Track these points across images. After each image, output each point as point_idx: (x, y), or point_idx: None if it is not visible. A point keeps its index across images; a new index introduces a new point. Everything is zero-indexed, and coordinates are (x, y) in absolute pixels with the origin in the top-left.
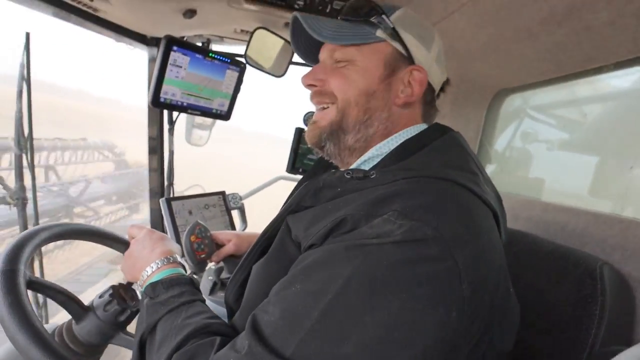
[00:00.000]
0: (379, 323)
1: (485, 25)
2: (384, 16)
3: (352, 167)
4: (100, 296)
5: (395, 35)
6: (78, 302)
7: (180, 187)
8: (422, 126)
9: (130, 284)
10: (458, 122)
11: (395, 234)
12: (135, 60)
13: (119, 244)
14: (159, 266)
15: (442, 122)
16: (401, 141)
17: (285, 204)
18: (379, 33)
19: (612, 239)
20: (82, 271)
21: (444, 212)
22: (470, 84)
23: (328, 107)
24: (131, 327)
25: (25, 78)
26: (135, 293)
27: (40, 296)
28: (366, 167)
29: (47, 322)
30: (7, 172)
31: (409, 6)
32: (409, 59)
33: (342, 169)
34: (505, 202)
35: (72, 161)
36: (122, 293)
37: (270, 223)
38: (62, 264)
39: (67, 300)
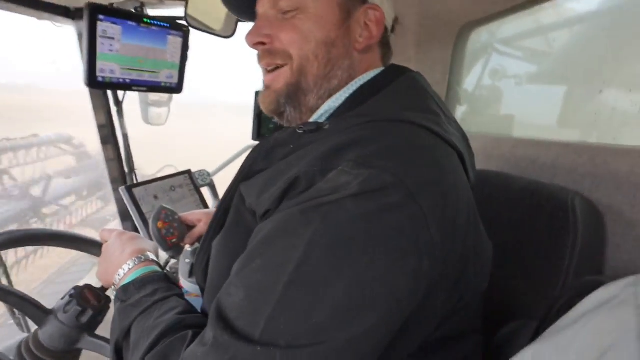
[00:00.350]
0: (348, 284)
1: None
2: None
3: (309, 121)
4: (62, 298)
5: None
6: (37, 305)
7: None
8: (379, 70)
9: (103, 287)
10: (424, 64)
11: (351, 185)
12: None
13: (93, 247)
14: (130, 267)
15: (406, 65)
16: (356, 87)
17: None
18: None
19: (582, 168)
20: (64, 271)
21: (402, 155)
22: (433, 22)
23: (281, 68)
24: (103, 330)
25: None
26: (102, 293)
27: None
28: (324, 117)
29: (28, 331)
30: None
31: None
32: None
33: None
34: (476, 142)
35: (27, 161)
36: (85, 293)
37: (224, 194)
38: (40, 268)
39: (24, 303)
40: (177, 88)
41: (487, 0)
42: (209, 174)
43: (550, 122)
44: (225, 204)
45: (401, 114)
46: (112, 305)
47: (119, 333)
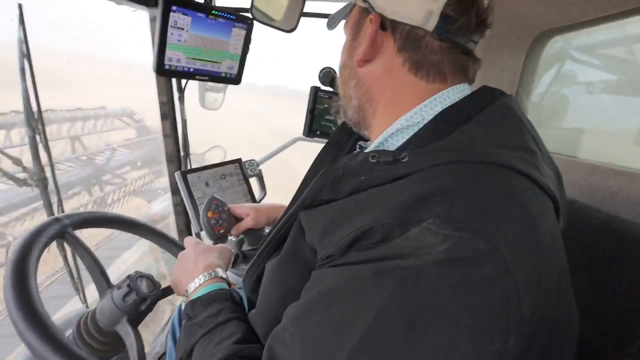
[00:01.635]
0: None
1: None
2: None
3: (376, 141)
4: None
5: None
6: (105, 277)
7: (201, 148)
8: (461, 87)
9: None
10: (492, 70)
11: (437, 250)
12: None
13: (173, 245)
14: (201, 282)
15: None
16: (436, 110)
17: (297, 193)
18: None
19: None
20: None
21: (498, 215)
22: (506, 27)
23: None
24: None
25: (25, 54)
26: (156, 287)
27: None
28: (396, 141)
29: (85, 302)
30: (17, 150)
31: None
32: (369, 10)
33: (365, 148)
34: None
35: (93, 130)
36: (140, 279)
37: (284, 218)
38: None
39: (96, 269)
40: (236, 79)
41: (573, 8)
42: (257, 165)
43: (636, 148)
44: (284, 229)
45: (496, 154)
46: (160, 303)
47: (183, 352)
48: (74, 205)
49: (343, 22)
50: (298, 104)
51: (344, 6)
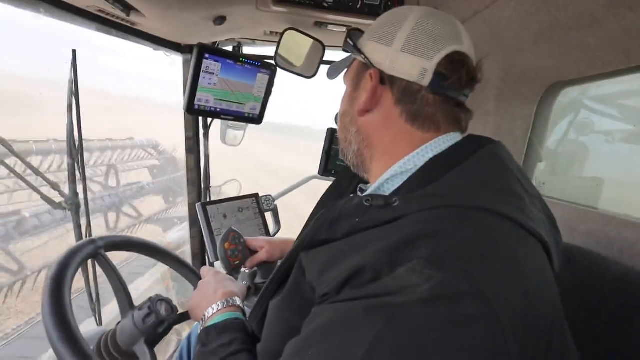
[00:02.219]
0: None
1: (537, 12)
2: (348, 39)
3: (373, 186)
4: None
5: (356, 49)
6: (128, 296)
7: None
8: (452, 136)
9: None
10: (503, 119)
11: (421, 288)
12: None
13: (191, 273)
14: (218, 308)
15: (485, 119)
16: (428, 156)
17: (301, 233)
18: (354, 54)
19: None
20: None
21: (481, 256)
22: (517, 77)
23: None
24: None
25: (74, 93)
26: (174, 311)
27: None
28: (391, 186)
29: (100, 323)
30: (52, 175)
31: None
32: (367, 65)
33: (361, 193)
34: (559, 211)
35: (120, 160)
36: (161, 302)
37: (286, 258)
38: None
39: (121, 290)
40: (257, 119)
41: (583, 62)
42: (273, 200)
43: None
44: (286, 268)
45: (479, 199)
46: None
47: None
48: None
49: (343, 73)
50: (286, 139)
51: (344, 59)
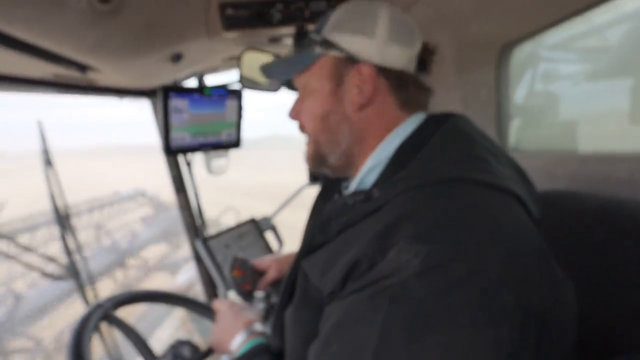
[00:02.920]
0: None
1: None
2: (315, 33)
3: (355, 182)
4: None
5: (328, 44)
6: (148, 347)
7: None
8: (416, 119)
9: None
10: (468, 89)
11: (412, 264)
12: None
13: (205, 310)
14: (242, 340)
15: (450, 93)
16: (396, 143)
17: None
18: (317, 50)
19: None
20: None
21: (458, 224)
22: (471, 47)
23: (308, 139)
24: None
25: (49, 162)
26: (197, 352)
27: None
28: (370, 178)
29: None
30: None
31: None
32: (353, 60)
33: (344, 193)
34: (538, 161)
35: (112, 215)
36: (185, 347)
37: (290, 270)
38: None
39: (140, 343)
40: (235, 143)
41: (524, 21)
42: (270, 219)
43: (619, 129)
44: (292, 279)
45: (448, 171)
46: None
47: None
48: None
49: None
50: (267, 153)
51: (297, 57)
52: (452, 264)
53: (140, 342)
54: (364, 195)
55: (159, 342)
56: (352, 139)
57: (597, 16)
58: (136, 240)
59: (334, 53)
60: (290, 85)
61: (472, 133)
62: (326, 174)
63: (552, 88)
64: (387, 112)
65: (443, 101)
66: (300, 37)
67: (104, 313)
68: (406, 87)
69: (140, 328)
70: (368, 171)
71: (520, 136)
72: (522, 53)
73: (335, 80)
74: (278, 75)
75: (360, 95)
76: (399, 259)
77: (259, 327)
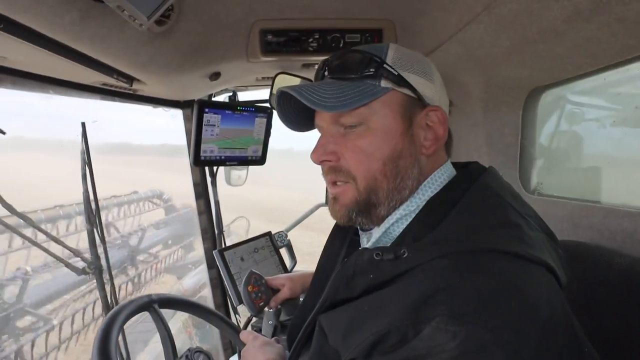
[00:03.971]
0: None
1: (505, 31)
2: (385, 65)
3: (379, 230)
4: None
5: (401, 80)
6: (174, 347)
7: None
8: (446, 168)
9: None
10: (493, 127)
11: (450, 346)
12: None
13: (232, 330)
14: None
15: (475, 131)
16: (427, 195)
17: (314, 280)
18: (384, 83)
19: None
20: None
21: (495, 304)
22: (499, 88)
23: (347, 183)
24: None
25: (87, 162)
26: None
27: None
28: (397, 229)
29: None
30: (68, 237)
31: (419, 21)
32: (421, 101)
33: (362, 232)
34: (561, 210)
35: (127, 214)
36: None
37: (307, 323)
38: None
39: (169, 341)
40: (260, 160)
41: (555, 68)
42: (286, 235)
43: None
44: (308, 330)
45: (484, 239)
46: None
47: None
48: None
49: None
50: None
51: (358, 87)
52: (490, 349)
53: (169, 340)
54: (392, 254)
55: (159, 344)
56: (415, 186)
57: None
58: (148, 241)
59: (405, 91)
60: (299, 124)
61: (503, 194)
62: (359, 224)
63: (579, 133)
64: (442, 158)
65: (468, 138)
66: (360, 62)
67: (149, 303)
68: (451, 134)
69: (146, 328)
70: (396, 220)
71: (543, 180)
72: (550, 96)
73: (407, 120)
74: (331, 105)
75: (435, 139)
76: (435, 337)
77: None
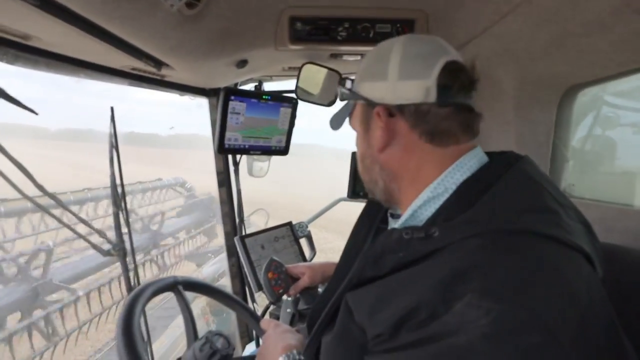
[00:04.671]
0: None
1: (545, 24)
2: (342, 88)
3: (407, 213)
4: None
5: (354, 94)
6: (195, 328)
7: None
8: (475, 152)
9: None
10: (524, 127)
11: (482, 322)
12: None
13: (252, 318)
14: None
15: (507, 129)
16: (457, 179)
17: (339, 266)
18: (351, 100)
19: None
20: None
21: (531, 284)
22: (533, 85)
23: None
24: None
25: (115, 146)
26: (230, 343)
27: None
28: (426, 212)
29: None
30: (96, 221)
31: (454, 12)
32: (372, 104)
33: (391, 218)
34: (594, 213)
35: (152, 201)
36: (217, 338)
37: (333, 300)
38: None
39: (190, 322)
40: (284, 150)
41: (596, 65)
42: (306, 226)
43: None
44: (333, 309)
45: (518, 221)
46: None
47: None
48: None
49: (347, 121)
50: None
51: (343, 108)
52: (527, 330)
53: (190, 322)
54: (423, 232)
55: (179, 328)
56: (386, 177)
57: None
58: (168, 227)
59: (360, 101)
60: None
61: (541, 180)
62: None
63: (614, 135)
64: (413, 147)
65: (497, 138)
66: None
67: (174, 283)
68: (425, 118)
69: (166, 312)
70: (423, 203)
71: (576, 182)
72: (586, 96)
73: (365, 125)
74: (333, 124)
75: (381, 137)
76: (467, 313)
77: (297, 354)
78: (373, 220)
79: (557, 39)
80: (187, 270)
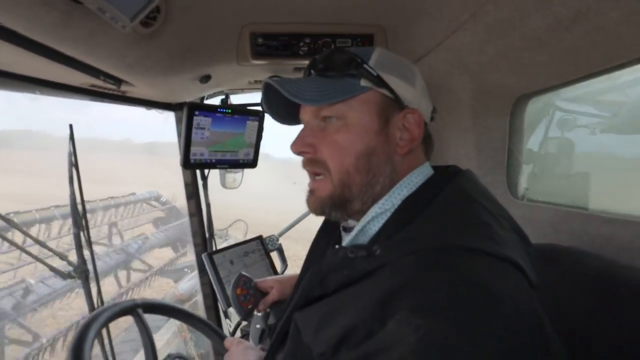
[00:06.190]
0: None
1: (490, 39)
2: (365, 65)
3: (357, 228)
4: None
5: (379, 81)
6: (155, 352)
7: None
8: (423, 169)
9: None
10: (482, 134)
11: (411, 339)
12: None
13: (216, 336)
14: None
15: (464, 136)
16: (403, 194)
17: (292, 295)
18: (364, 82)
19: None
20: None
21: (457, 300)
22: (487, 95)
23: (322, 177)
24: None
25: (74, 164)
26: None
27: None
28: (373, 227)
29: None
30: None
31: (409, 28)
32: (399, 102)
33: (344, 232)
34: (544, 214)
35: (124, 216)
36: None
37: (283, 320)
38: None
39: (150, 347)
40: (252, 163)
41: (540, 76)
42: (277, 239)
43: (629, 190)
44: (284, 329)
45: (451, 238)
46: None
47: None
48: (106, 289)
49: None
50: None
51: (336, 83)
52: (451, 344)
53: (150, 346)
54: (365, 251)
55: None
56: (388, 182)
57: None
58: (144, 244)
59: (382, 90)
60: (287, 118)
61: (476, 194)
62: (333, 218)
63: (565, 140)
64: (419, 160)
65: (457, 144)
66: (343, 62)
67: (133, 307)
68: (430, 139)
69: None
70: (372, 219)
71: (530, 185)
72: (537, 102)
73: (382, 119)
74: (310, 98)
75: (410, 140)
76: (399, 330)
77: None
78: (331, 235)
79: (503, 53)
80: (161, 286)
